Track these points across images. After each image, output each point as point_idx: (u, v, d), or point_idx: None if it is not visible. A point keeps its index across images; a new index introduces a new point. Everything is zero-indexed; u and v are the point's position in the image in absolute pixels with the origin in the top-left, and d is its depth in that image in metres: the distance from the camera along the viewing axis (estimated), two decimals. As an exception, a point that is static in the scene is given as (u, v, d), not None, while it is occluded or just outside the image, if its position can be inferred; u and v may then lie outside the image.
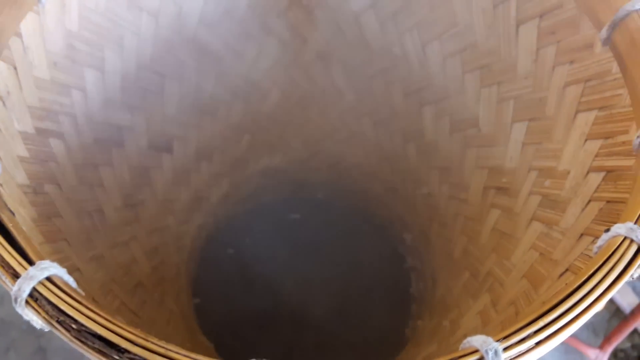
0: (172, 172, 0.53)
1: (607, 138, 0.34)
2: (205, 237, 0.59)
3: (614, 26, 0.33)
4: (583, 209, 0.34)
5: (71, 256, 0.30)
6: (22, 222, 0.29)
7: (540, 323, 0.22)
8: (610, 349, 0.69)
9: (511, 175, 0.44)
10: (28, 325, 0.79)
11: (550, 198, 0.38)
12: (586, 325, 0.84)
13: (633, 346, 0.81)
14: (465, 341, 0.22)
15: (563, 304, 0.22)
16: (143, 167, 0.49)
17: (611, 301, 0.85)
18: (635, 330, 0.81)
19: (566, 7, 0.37)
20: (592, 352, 0.69)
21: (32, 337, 0.84)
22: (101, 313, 0.21)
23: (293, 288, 0.60)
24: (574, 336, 0.76)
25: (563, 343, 0.78)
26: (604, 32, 0.33)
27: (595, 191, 0.33)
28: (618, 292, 0.82)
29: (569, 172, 0.37)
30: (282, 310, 0.59)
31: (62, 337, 0.22)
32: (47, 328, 0.23)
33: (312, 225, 0.60)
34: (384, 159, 0.58)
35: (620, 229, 0.24)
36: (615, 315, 0.84)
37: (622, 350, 0.81)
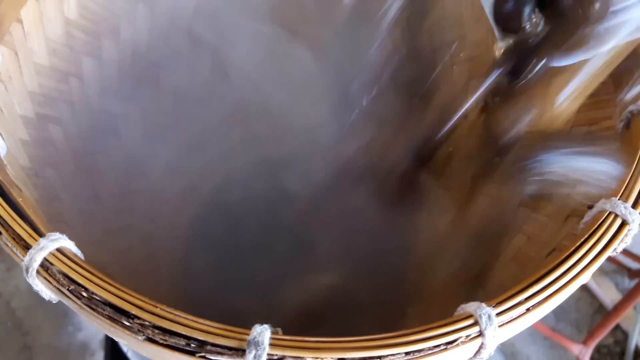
0: (166, 162, 0.53)
1: (591, 124, 0.35)
2: (198, 228, 0.59)
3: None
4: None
5: (72, 238, 0.31)
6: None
7: (531, 290, 0.23)
8: (593, 345, 0.70)
9: (499, 163, 0.45)
10: (14, 323, 0.79)
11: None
12: (570, 321, 0.86)
13: (616, 342, 0.83)
14: (459, 308, 0.23)
15: (552, 273, 0.23)
16: (138, 156, 0.49)
17: (594, 297, 0.86)
18: (618, 326, 0.83)
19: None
20: (575, 348, 0.70)
21: (18, 335, 0.83)
22: (110, 281, 0.22)
23: (288, 280, 0.60)
24: (557, 331, 0.78)
25: (547, 338, 0.80)
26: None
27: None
28: (601, 288, 0.84)
29: (555, 158, 0.38)
30: (279, 303, 0.59)
31: (72, 306, 0.22)
32: (56, 299, 0.23)
33: (306, 218, 0.61)
34: (378, 147, 0.59)
35: (605, 204, 0.26)
36: (599, 311, 0.86)
37: (605, 346, 0.82)
